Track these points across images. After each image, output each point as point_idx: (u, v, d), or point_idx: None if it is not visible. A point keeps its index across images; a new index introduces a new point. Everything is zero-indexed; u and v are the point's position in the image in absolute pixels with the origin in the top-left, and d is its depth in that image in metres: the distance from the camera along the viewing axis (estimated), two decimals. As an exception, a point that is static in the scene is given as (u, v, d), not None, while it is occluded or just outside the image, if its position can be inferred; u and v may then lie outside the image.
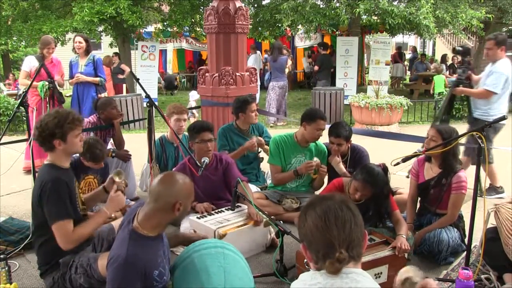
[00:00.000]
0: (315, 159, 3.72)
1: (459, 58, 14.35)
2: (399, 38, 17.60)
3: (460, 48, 4.64)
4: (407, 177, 4.02)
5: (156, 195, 2.05)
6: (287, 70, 9.47)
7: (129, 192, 4.24)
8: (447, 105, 4.64)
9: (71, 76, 5.51)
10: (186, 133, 3.79)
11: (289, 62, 9.55)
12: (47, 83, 5.11)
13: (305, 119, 3.67)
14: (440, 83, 10.86)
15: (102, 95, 5.44)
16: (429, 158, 3.21)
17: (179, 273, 2.22)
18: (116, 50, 12.48)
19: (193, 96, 10.08)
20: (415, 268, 1.39)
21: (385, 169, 2.93)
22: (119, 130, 4.37)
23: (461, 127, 3.17)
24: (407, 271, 1.40)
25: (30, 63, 5.25)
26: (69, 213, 2.41)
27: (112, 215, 2.72)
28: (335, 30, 12.10)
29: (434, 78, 11.25)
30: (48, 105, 5.18)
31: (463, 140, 3.47)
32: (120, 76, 10.79)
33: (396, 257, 2.68)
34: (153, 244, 2.09)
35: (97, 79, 5.42)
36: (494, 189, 4.45)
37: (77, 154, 3.46)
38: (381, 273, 2.63)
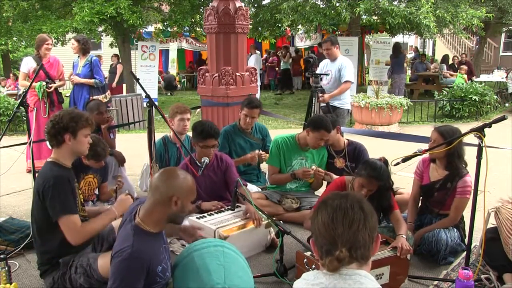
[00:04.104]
0: (313, 166, 3.72)
1: (451, 59, 14.36)
2: (399, 38, 17.57)
3: (310, 59, 5.10)
4: None
5: (154, 188, 2.08)
6: (405, 65, 12.18)
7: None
8: (308, 110, 5.13)
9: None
10: (189, 133, 3.78)
11: (407, 58, 11.88)
12: (44, 83, 5.13)
13: (310, 126, 3.64)
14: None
15: (100, 96, 5.41)
16: (434, 159, 3.20)
17: (179, 272, 2.22)
18: (116, 50, 12.48)
19: None
20: None
21: (386, 162, 2.94)
22: (106, 136, 4.33)
23: (461, 127, 3.17)
24: None
25: (27, 64, 5.24)
26: (74, 209, 2.43)
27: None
28: (335, 30, 12.10)
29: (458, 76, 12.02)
30: (46, 105, 5.20)
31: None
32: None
33: (398, 259, 2.67)
34: (155, 240, 2.11)
35: (92, 80, 5.40)
36: None
37: None
38: (383, 274, 2.62)
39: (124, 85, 11.78)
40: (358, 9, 9.11)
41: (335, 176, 3.70)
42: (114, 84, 11.23)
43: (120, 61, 11.90)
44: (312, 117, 3.76)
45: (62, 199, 2.38)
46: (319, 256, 1.39)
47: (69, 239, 2.40)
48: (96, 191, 3.78)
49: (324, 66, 5.36)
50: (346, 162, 3.83)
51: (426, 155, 3.16)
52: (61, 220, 2.38)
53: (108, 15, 9.43)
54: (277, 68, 17.08)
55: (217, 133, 3.46)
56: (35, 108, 5.06)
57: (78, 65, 5.48)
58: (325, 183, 3.93)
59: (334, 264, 1.32)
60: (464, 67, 12.31)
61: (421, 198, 3.34)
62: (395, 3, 10.00)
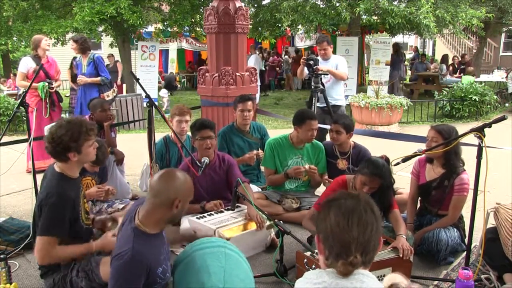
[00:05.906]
0: (307, 165, 3.72)
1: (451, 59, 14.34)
2: (399, 38, 17.58)
3: (311, 61, 5.01)
4: None
5: (155, 191, 2.05)
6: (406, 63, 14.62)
7: (121, 193, 4.16)
8: (309, 104, 5.13)
9: (77, 75, 5.56)
10: (189, 134, 3.78)
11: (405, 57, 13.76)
12: (47, 83, 5.13)
13: (295, 122, 3.69)
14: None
15: (110, 92, 5.45)
16: (431, 160, 3.20)
17: (179, 271, 2.22)
18: (116, 50, 12.49)
19: (165, 95, 10.39)
20: (401, 275, 1.39)
21: (387, 160, 2.94)
22: (108, 134, 4.33)
23: (461, 127, 3.17)
24: (393, 278, 1.40)
25: (27, 65, 5.22)
26: (59, 232, 2.38)
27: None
28: (335, 30, 12.09)
29: (463, 78, 11.84)
30: (48, 105, 5.20)
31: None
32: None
33: (401, 260, 2.66)
34: (155, 241, 2.10)
35: (98, 78, 5.43)
36: None
37: None
38: (384, 275, 2.62)
39: (124, 85, 11.78)
40: (358, 9, 9.11)
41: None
42: (118, 82, 11.25)
43: (116, 59, 11.93)
44: (294, 115, 3.76)
45: (53, 220, 2.34)
46: (325, 256, 1.38)
47: (37, 258, 2.38)
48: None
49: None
50: (349, 165, 3.82)
51: (423, 155, 3.16)
52: (40, 238, 2.36)
53: (108, 15, 9.42)
54: (277, 68, 17.08)
55: (211, 125, 3.49)
56: (35, 108, 5.05)
57: (81, 64, 5.50)
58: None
59: (349, 268, 1.33)
60: (471, 68, 12.45)
61: (419, 198, 3.34)
62: (395, 3, 9.99)
